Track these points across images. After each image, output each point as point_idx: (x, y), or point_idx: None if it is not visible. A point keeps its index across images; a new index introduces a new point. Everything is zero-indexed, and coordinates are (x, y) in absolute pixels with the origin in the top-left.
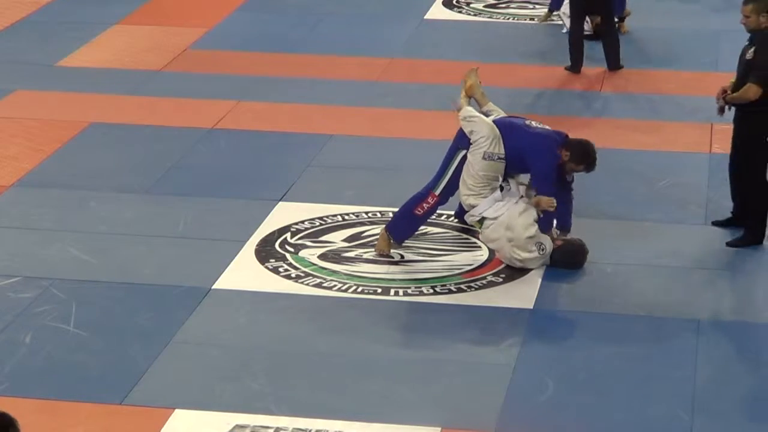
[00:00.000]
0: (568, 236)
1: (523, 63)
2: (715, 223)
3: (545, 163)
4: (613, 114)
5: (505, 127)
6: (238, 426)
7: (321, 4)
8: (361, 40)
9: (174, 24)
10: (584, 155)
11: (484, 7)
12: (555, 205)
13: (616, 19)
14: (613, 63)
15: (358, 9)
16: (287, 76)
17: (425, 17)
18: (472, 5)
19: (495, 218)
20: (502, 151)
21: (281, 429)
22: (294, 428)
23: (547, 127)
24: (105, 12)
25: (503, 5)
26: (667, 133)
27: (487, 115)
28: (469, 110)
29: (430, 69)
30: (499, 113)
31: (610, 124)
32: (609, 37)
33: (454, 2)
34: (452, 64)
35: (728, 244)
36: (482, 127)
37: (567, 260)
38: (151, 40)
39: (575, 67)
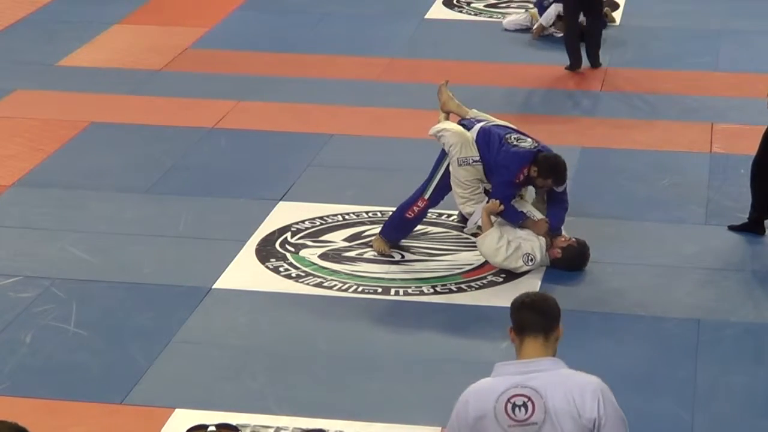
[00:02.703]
0: (572, 238)
1: (523, 63)
2: (732, 228)
3: (502, 175)
4: (613, 114)
5: (483, 138)
6: (238, 426)
7: (321, 4)
8: (361, 40)
9: (174, 24)
10: (550, 169)
11: (485, 7)
12: (500, 207)
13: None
14: (595, 61)
15: (358, 9)
16: (287, 76)
17: (425, 17)
18: (472, 5)
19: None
20: (476, 152)
21: (281, 429)
22: (294, 428)
23: (528, 142)
24: (105, 12)
25: (503, 5)
26: (667, 133)
27: (477, 122)
28: (435, 128)
29: (430, 69)
30: (487, 119)
31: (610, 123)
32: (593, 35)
33: (454, 2)
34: (452, 64)
35: (730, 227)
36: (449, 136)
37: (569, 262)
38: (151, 40)
39: (575, 65)
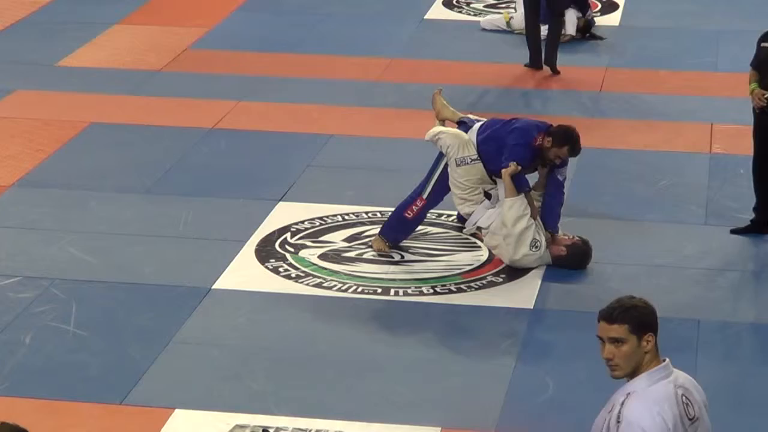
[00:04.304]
0: (575, 236)
1: (522, 63)
2: (734, 231)
3: (519, 138)
4: (612, 114)
5: (486, 125)
6: (238, 426)
7: (321, 4)
8: (361, 40)
9: (174, 24)
10: (566, 137)
11: (484, 7)
12: (518, 168)
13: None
14: (551, 65)
15: (358, 9)
16: (287, 76)
17: (425, 17)
18: (472, 5)
19: (488, 227)
20: (473, 152)
21: (281, 429)
22: (294, 428)
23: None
24: (105, 12)
25: (503, 5)
26: (667, 133)
27: (476, 121)
28: (431, 131)
29: (430, 69)
30: (480, 120)
31: (609, 124)
32: (550, 36)
33: (454, 2)
34: (452, 64)
35: (732, 231)
36: (446, 138)
37: (572, 260)
38: (151, 40)
39: (533, 63)
